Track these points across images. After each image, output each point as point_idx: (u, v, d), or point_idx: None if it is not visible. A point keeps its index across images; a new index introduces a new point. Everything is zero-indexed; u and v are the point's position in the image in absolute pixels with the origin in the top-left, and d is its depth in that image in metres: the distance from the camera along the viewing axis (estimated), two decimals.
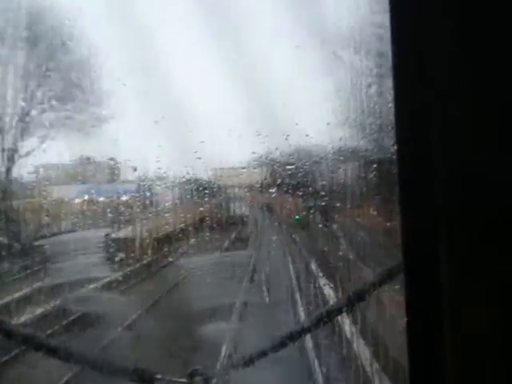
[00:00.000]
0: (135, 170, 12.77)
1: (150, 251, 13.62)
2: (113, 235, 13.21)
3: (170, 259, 13.73)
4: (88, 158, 14.51)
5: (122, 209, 14.10)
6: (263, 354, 2.11)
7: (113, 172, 15.47)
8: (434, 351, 0.90)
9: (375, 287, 1.99)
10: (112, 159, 14.39)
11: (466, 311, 0.87)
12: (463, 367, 0.88)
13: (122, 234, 13.59)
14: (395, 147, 0.95)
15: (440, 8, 0.88)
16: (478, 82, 0.88)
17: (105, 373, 1.97)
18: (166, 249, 14.40)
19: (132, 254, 13.09)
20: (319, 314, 2.20)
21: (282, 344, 2.10)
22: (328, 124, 9.29)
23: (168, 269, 13.31)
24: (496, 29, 0.87)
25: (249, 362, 2.13)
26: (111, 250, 12.56)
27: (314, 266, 11.66)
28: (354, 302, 2.16)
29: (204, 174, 14.23)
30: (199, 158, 10.93)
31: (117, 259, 12.56)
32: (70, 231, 13.91)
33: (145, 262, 13.36)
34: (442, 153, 0.89)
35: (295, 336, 2.20)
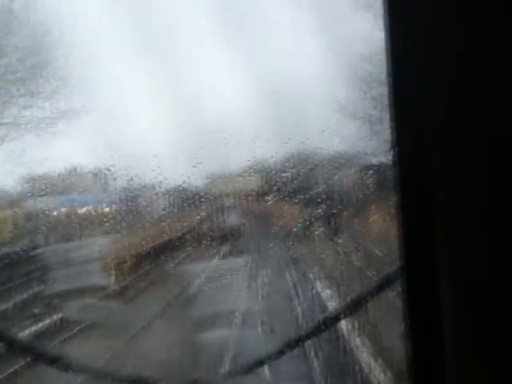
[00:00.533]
0: (132, 178, 12.26)
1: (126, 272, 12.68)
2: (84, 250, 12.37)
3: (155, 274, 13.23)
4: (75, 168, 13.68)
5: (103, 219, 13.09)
6: (262, 362, 2.10)
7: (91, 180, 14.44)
8: (435, 354, 0.91)
9: (373, 294, 1.99)
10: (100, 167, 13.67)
11: (466, 315, 0.88)
12: (464, 369, 0.88)
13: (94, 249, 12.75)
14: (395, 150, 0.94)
15: (439, 7, 0.89)
16: (478, 82, 0.88)
17: (106, 381, 1.96)
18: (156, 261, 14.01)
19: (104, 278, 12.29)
20: (317, 322, 2.20)
21: (280, 352, 2.10)
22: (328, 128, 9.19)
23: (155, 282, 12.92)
24: (496, 28, 0.87)
25: (247, 370, 2.13)
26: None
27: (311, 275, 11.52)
28: (351, 309, 2.17)
29: (198, 182, 14.01)
30: (194, 167, 10.74)
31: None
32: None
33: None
34: (442, 153, 0.89)
35: (293, 344, 2.20)
